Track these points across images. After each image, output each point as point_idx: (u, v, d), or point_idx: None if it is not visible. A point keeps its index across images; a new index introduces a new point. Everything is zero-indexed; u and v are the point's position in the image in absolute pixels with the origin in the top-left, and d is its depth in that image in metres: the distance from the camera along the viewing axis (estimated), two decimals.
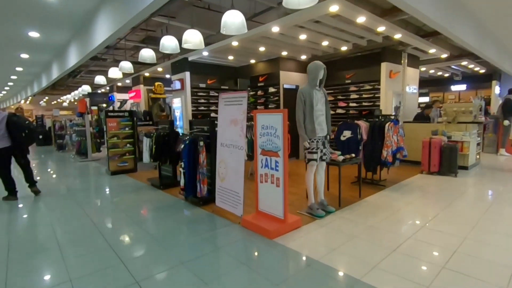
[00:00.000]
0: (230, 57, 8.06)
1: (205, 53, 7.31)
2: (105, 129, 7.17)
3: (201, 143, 4.23)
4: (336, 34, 6.36)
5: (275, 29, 5.34)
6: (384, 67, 7.08)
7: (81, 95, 14.71)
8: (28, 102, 25.42)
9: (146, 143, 5.66)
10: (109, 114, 7.03)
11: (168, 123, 5.53)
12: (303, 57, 8.12)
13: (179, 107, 8.05)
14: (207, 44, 6.38)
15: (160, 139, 5.39)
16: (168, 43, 4.92)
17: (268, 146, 3.44)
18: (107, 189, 5.84)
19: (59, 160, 10.19)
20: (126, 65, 7.44)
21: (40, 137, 15.15)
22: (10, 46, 7.50)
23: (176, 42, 5.03)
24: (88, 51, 6.41)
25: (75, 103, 29.19)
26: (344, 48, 7.13)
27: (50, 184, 6.36)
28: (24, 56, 8.63)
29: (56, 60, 9.15)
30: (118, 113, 7.16)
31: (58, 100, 25.17)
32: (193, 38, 4.43)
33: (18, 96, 18.94)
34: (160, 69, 9.69)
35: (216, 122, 4.36)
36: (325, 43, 6.63)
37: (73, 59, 7.36)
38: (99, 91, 17.26)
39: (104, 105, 18.48)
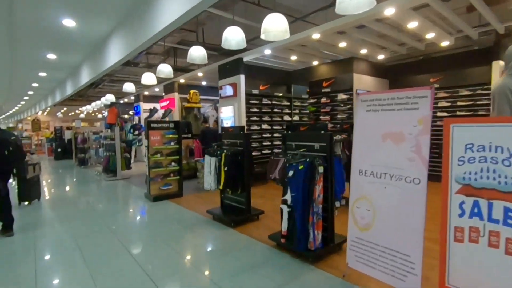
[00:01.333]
0: (293, 57, 6.72)
1: (267, 51, 5.99)
2: (142, 144, 5.83)
3: (321, 169, 2.78)
4: (441, 24, 4.97)
5: (390, 11, 3.96)
6: (497, 66, 5.59)
7: (102, 105, 13.65)
8: (45, 113, 24.77)
9: (209, 163, 4.26)
10: (152, 125, 5.69)
11: (242, 138, 4.12)
12: (380, 57, 6.71)
13: (230, 117, 6.69)
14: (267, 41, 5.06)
15: (233, 160, 3.98)
16: (234, 36, 3.62)
17: (486, 180, 1.97)
18: (156, 224, 4.41)
19: (82, 177, 8.92)
20: (166, 69, 6.20)
21: (59, 150, 14.03)
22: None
23: (243, 35, 3.72)
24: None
25: (93, 114, 28.49)
26: (445, 43, 5.70)
27: (79, 211, 5.00)
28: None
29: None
30: (162, 124, 5.82)
31: (76, 111, 24.42)
32: (276, 26, 3.08)
33: (37, 107, 18.05)
34: (200, 74, 8.42)
35: (340, 136, 2.94)
36: (430, 35, 5.20)
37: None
38: (121, 101, 16.26)
39: (126, 116, 17.44)
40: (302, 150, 3.05)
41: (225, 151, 4.03)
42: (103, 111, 17.00)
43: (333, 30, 4.83)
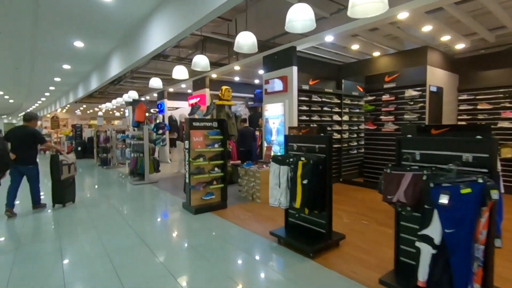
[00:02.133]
0: (354, 46, 5.74)
1: (329, 38, 5.04)
2: (166, 144, 4.99)
3: (494, 194, 1.82)
4: None
5: None
6: None
7: (123, 102, 13.01)
8: (64, 111, 24.58)
9: (277, 174, 3.35)
10: (194, 124, 4.84)
11: (325, 142, 3.19)
12: (460, 46, 5.64)
13: (278, 116, 5.78)
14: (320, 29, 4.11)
15: (314, 170, 3.05)
16: (300, 16, 2.90)
17: None
18: (208, 247, 3.52)
19: (107, 179, 8.20)
20: (202, 61, 5.40)
21: (79, 148, 13.48)
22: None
23: (312, 15, 2.86)
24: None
25: (110, 112, 28.18)
26: None
27: (112, 221, 4.18)
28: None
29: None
30: (205, 123, 4.96)
31: (95, 109, 24.10)
32: None
33: (57, 103, 17.67)
34: (237, 67, 7.55)
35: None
36: None
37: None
38: (142, 99, 15.62)
39: (147, 114, 16.85)
40: (452, 164, 2.07)
41: (302, 158, 3.11)
42: (125, 109, 16.42)
43: (426, 8, 3.85)
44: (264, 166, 5.56)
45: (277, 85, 5.75)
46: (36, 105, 20.33)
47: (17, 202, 4.88)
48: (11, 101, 18.23)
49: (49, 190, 5.34)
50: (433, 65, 5.64)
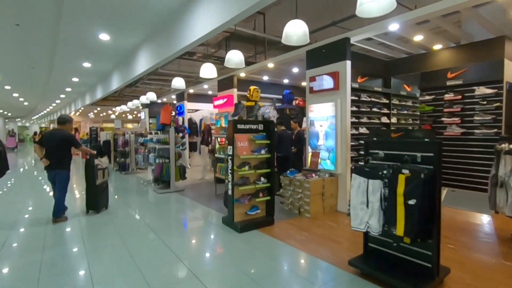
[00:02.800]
0: (418, 37, 5.00)
1: (394, 27, 4.32)
2: (186, 148, 4.36)
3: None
4: None
5: None
6: None
7: (140, 104, 12.49)
8: (78, 113, 24.37)
9: (364, 189, 2.63)
10: (239, 126, 4.16)
11: (433, 149, 2.45)
12: None
13: (327, 118, 5.06)
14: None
15: (423, 188, 2.32)
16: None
17: None
18: (270, 279, 2.81)
19: (127, 187, 7.59)
20: (237, 58, 4.81)
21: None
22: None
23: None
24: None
25: (123, 115, 27.91)
26: None
27: (143, 236, 3.51)
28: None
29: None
30: (251, 126, 4.27)
31: (109, 111, 23.80)
32: None
33: (72, 106, 17.31)
34: (271, 65, 6.87)
35: None
36: None
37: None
38: (159, 101, 15.11)
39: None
40: None
41: (405, 171, 2.38)
42: (141, 111, 15.94)
43: None
44: (314, 175, 4.84)
45: (327, 82, 5.04)
46: (51, 107, 20.08)
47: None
48: (25, 103, 17.98)
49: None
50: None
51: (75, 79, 9.93)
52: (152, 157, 6.93)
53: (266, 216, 4.39)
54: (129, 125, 29.78)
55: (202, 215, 5.04)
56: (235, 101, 8.11)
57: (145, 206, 5.77)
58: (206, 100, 12.57)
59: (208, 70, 5.78)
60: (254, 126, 4.30)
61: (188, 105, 11.52)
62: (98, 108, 19.76)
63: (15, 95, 14.13)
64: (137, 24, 5.45)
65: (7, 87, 11.88)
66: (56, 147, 4.39)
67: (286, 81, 9.18)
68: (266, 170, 4.34)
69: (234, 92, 8.11)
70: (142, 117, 15.51)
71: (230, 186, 4.15)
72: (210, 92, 12.04)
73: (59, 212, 4.55)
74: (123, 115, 27.44)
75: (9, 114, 29.45)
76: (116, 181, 8.40)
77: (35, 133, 24.78)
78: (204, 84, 9.96)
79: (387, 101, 6.23)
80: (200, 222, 4.77)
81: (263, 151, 4.28)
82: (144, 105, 14.84)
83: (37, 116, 29.84)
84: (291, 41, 3.52)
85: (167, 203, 5.92)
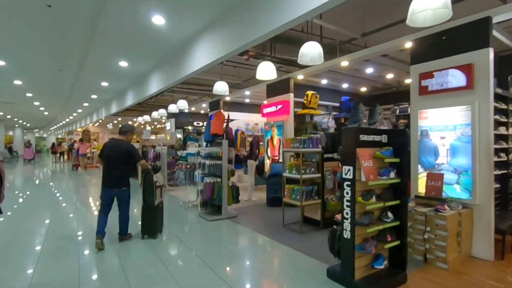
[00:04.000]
0: None
1: None
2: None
3: None
4: None
5: None
6: None
7: (164, 115, 11.39)
8: (96, 124, 23.68)
9: None
10: (362, 137, 2.84)
11: None
12: None
13: (453, 127, 3.71)
14: None
15: None
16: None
17: None
18: None
19: (166, 210, 6.27)
20: (314, 51, 3.63)
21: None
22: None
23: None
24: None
25: (141, 126, 27.10)
26: None
27: None
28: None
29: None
30: (374, 137, 2.95)
31: (129, 122, 23.02)
32: None
33: (94, 116, 16.46)
34: (345, 63, 5.61)
35: None
36: None
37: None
38: (185, 111, 14.05)
39: (190, 127, 15.21)
40: None
41: None
42: (166, 121, 14.92)
43: None
44: (447, 207, 3.45)
45: (455, 79, 3.71)
46: (71, 117, 19.38)
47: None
48: (46, 113, 17.28)
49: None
50: None
51: (104, 84, 9.00)
52: (198, 175, 5.67)
53: (393, 268, 3.01)
54: (154, 136, 29.06)
55: (287, 261, 3.67)
56: (291, 108, 6.86)
57: (198, 238, 4.45)
58: (242, 109, 11.42)
59: (266, 70, 4.64)
60: (377, 138, 2.98)
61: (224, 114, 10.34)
62: (119, 119, 18.91)
63: (36, 103, 13.32)
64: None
65: (29, 95, 11.03)
66: (119, 161, 3.96)
67: (345, 85, 7.89)
68: (394, 201, 2.98)
69: (291, 97, 6.87)
70: (168, 127, 14.47)
71: (347, 226, 2.81)
72: (247, 101, 10.89)
73: (125, 231, 4.21)
74: (142, 126, 26.65)
75: (28, 124, 29.18)
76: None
77: (53, 145, 24.16)
78: (246, 91, 8.79)
79: (505, 107, 4.83)
80: (289, 272, 3.39)
81: (392, 174, 2.94)
82: (170, 115, 13.84)
83: (55, 127, 29.45)
84: (416, 23, 2.26)
85: (227, 237, 4.61)
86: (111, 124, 23.35)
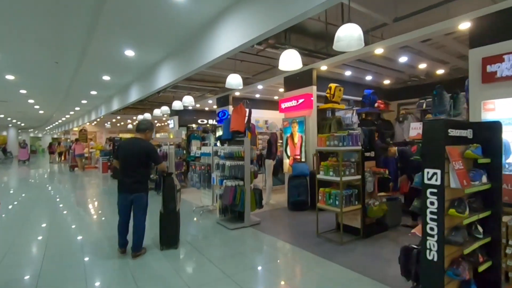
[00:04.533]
0: None
1: None
2: None
3: None
4: None
5: None
6: None
7: (167, 113, 10.73)
8: (94, 123, 22.88)
9: None
10: (451, 132, 2.24)
11: None
12: None
13: None
14: None
15: None
16: None
17: None
18: None
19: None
20: (356, 32, 3.03)
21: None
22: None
23: None
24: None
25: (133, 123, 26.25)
26: None
27: None
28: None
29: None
30: (461, 131, 2.35)
31: (128, 120, 22.26)
32: None
33: (92, 115, 15.71)
34: (379, 51, 5.01)
35: None
36: None
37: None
38: (190, 108, 13.38)
39: (194, 125, 14.53)
40: None
41: None
42: (169, 119, 14.24)
43: None
44: None
45: None
46: (68, 116, 18.61)
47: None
48: (41, 111, 16.50)
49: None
50: None
51: (106, 78, 8.34)
52: (216, 177, 5.05)
53: None
54: (157, 135, 28.27)
55: (339, 283, 3.06)
56: (314, 102, 6.25)
57: (223, 251, 3.84)
58: (252, 105, 10.78)
59: (290, 60, 4.08)
60: (464, 133, 2.38)
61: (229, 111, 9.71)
62: (118, 117, 18.18)
63: (31, 101, 12.57)
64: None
65: (23, 91, 10.29)
66: (137, 163, 3.51)
67: (368, 78, 7.29)
68: (486, 212, 2.40)
69: (313, 90, 6.26)
70: (171, 125, 13.79)
71: (433, 245, 2.21)
72: (257, 96, 10.26)
73: (140, 245, 3.61)
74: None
75: (23, 124, 28.27)
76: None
77: (50, 145, 23.31)
78: (258, 85, 8.16)
79: None
80: None
81: (484, 178, 2.35)
82: (173, 112, 13.17)
83: (51, 126, 28.58)
84: None
85: (255, 249, 4.02)
86: (109, 123, 22.58)
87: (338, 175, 4.01)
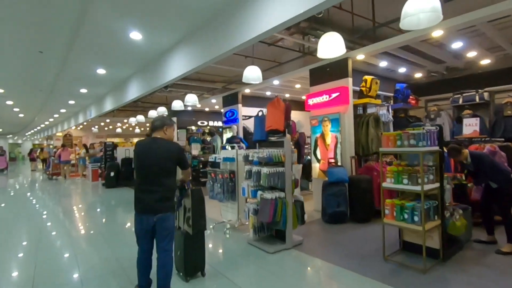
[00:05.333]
0: None
1: None
2: None
3: None
4: None
5: None
6: None
7: (165, 113, 9.65)
8: (79, 128, 21.36)
9: None
10: None
11: None
12: None
13: None
14: None
15: None
16: None
17: None
18: None
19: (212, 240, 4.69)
20: (427, 4, 2.10)
21: (112, 174, 10.03)
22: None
23: None
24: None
25: (130, 128, 24.83)
26: None
27: None
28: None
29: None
30: None
31: (118, 124, 20.86)
32: None
33: (80, 117, 14.34)
34: (438, 33, 4.21)
35: None
36: None
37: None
38: (189, 108, 12.32)
39: (193, 127, 13.40)
40: None
41: None
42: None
43: None
44: None
45: None
46: (51, 119, 17.14)
47: None
48: (21, 115, 15.01)
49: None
50: None
51: (101, 71, 7.21)
52: (246, 187, 4.09)
53: None
54: (135, 139, 26.78)
55: None
56: (351, 96, 5.42)
57: (266, 283, 2.90)
58: (260, 104, 9.88)
59: (331, 44, 3.41)
60: None
61: (243, 110, 8.76)
62: (108, 120, 16.85)
63: (9, 103, 11.20)
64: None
65: (0, 91, 9.00)
66: (161, 169, 2.58)
67: (402, 70, 6.51)
68: None
69: (349, 83, 5.40)
70: None
71: None
72: (268, 94, 9.35)
73: (169, 285, 2.61)
74: (130, 129, 24.47)
75: (0, 130, 26.31)
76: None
77: (31, 151, 21.61)
78: (274, 79, 7.26)
79: None
80: None
81: None
82: (171, 114, 12.07)
83: (32, 131, 26.71)
84: None
85: (311, 281, 3.09)
86: (96, 127, 21.10)
87: (415, 183, 3.16)
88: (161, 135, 2.72)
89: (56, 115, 15.35)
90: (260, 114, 4.14)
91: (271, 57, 6.12)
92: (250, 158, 4.09)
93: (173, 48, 5.38)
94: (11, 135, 34.30)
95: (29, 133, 28.24)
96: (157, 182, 2.55)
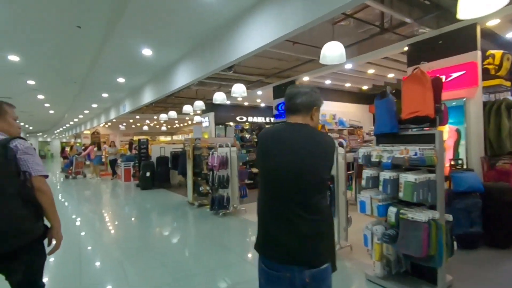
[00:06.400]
0: None
1: None
2: None
3: None
4: None
5: None
6: None
7: (202, 108, 8.53)
8: (107, 126, 20.92)
9: None
10: None
11: None
12: None
13: None
14: None
15: None
16: None
17: None
18: None
19: None
20: None
21: (147, 174, 9.07)
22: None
23: None
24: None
25: (157, 125, 24.14)
26: None
27: None
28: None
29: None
30: None
31: (147, 121, 20.24)
32: None
33: (112, 113, 13.61)
34: None
35: None
36: None
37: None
38: (228, 102, 11.21)
39: (231, 123, 12.34)
40: None
41: None
42: (203, 117, 12.05)
43: None
44: None
45: None
46: (81, 116, 16.65)
47: None
48: (51, 111, 14.54)
49: None
50: None
51: (146, 52, 6.14)
52: (369, 201, 2.83)
53: None
54: (162, 138, 26.11)
55: None
56: (480, 76, 4.03)
57: None
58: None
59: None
60: None
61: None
62: (137, 117, 16.10)
63: (40, 97, 10.55)
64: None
65: (30, 83, 8.24)
66: (308, 181, 1.31)
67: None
68: None
69: (478, 57, 4.00)
70: (205, 124, 11.64)
71: None
72: (327, 82, 8.04)
73: None
74: (157, 126, 23.82)
75: (31, 128, 26.55)
76: (234, 237, 4.34)
77: (63, 149, 21.33)
78: (348, 63, 5.94)
79: None
80: None
81: None
82: (208, 109, 11.04)
83: (60, 129, 26.76)
84: None
85: None
86: (124, 124, 20.56)
87: None
88: (302, 120, 1.50)
89: (86, 111, 14.75)
90: (387, 93, 2.85)
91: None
92: (374, 159, 2.82)
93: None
94: (40, 133, 34.92)
95: (58, 131, 28.38)
96: (303, 201, 1.33)
